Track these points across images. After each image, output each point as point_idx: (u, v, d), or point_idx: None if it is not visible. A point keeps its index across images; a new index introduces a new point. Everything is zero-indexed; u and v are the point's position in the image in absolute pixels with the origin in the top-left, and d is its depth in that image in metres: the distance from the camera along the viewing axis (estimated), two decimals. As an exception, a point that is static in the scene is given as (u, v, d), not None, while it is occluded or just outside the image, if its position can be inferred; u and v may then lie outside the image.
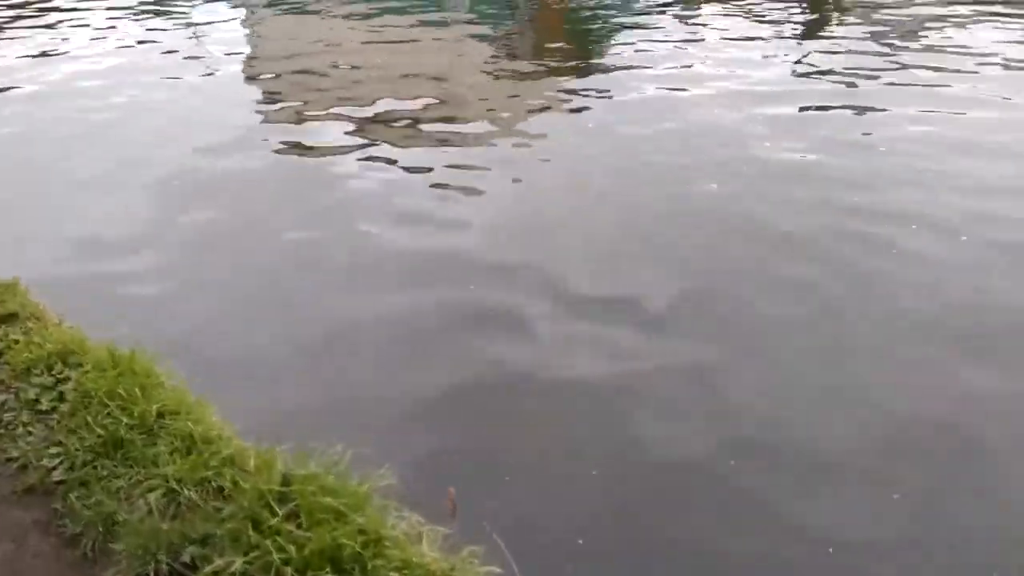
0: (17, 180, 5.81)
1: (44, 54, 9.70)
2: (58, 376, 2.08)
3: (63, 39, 10.51)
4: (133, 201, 5.49)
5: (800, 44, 9.68)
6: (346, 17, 12.08)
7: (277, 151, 6.52)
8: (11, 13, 12.40)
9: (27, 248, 4.66)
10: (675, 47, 9.59)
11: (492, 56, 9.87)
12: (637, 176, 5.85)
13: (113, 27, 11.22)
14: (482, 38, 10.70)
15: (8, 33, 10.95)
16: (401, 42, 10.32)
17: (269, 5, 13.09)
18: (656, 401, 3.34)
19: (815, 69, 8.39)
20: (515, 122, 7.20)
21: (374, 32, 10.98)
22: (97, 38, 10.65)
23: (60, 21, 11.52)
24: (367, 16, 11.81)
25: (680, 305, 4.11)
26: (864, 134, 6.57)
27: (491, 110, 7.53)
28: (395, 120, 7.18)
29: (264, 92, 8.31)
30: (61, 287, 3.94)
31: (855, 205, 5.13)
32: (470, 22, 11.69)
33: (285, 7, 12.87)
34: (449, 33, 10.97)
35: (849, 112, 7.12)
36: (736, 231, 4.89)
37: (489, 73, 8.89)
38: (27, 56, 9.55)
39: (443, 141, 6.66)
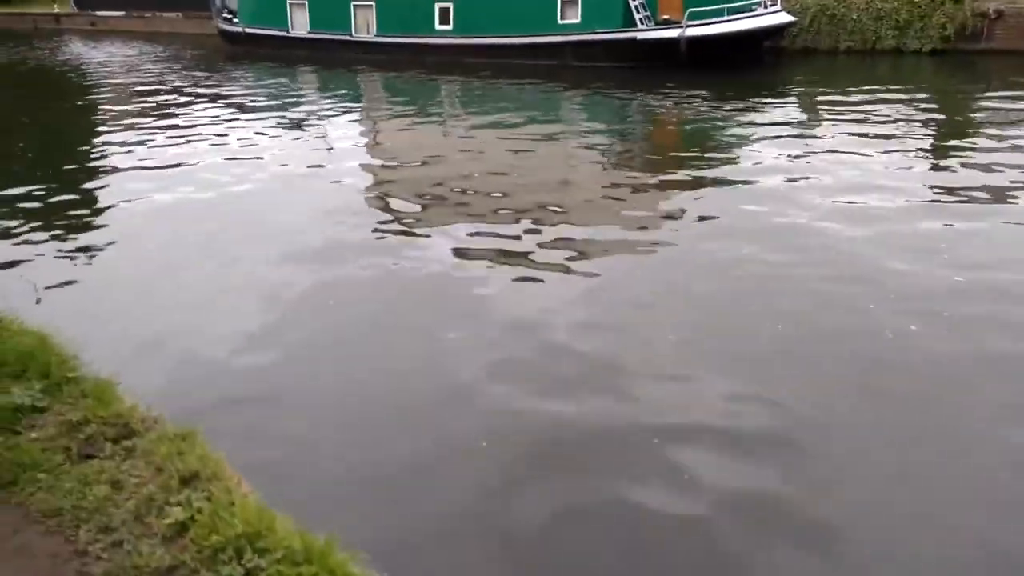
0: (159, 287, 6.09)
1: (179, 164, 10.53)
2: (247, 566, 1.97)
3: (201, 148, 11.48)
4: (267, 305, 5.60)
5: (929, 158, 9.35)
6: (467, 128, 12.69)
7: (399, 258, 6.60)
8: (163, 124, 13.73)
9: (162, 356, 4.77)
10: (796, 161, 9.40)
11: (609, 166, 10.04)
12: (757, 297, 5.54)
13: (251, 137, 12.24)
14: (600, 148, 10.92)
15: (157, 141, 12.05)
16: (520, 151, 10.63)
17: (393, 118, 13.96)
18: None
19: (947, 186, 8.01)
20: (632, 233, 7.11)
21: (493, 142, 11.39)
22: (231, 146, 11.59)
23: (198, 133, 12.63)
24: (486, 127, 12.35)
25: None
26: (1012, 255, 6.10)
27: (608, 220, 7.49)
28: (514, 228, 7.22)
29: (387, 200, 8.56)
30: (196, 403, 4.01)
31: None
32: (586, 132, 12.01)
33: (409, 119, 13.69)
34: (566, 143, 11.29)
35: (986, 228, 6.67)
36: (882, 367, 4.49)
37: (606, 184, 8.94)
38: (167, 166, 10.39)
39: (561, 251, 6.63)
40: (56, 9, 37.70)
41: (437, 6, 19.02)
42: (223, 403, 4.27)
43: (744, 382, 4.36)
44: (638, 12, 16.28)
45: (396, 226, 7.52)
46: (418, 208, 8.15)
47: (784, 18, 16.30)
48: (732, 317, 5.25)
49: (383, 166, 10.61)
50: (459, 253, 6.63)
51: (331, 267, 6.35)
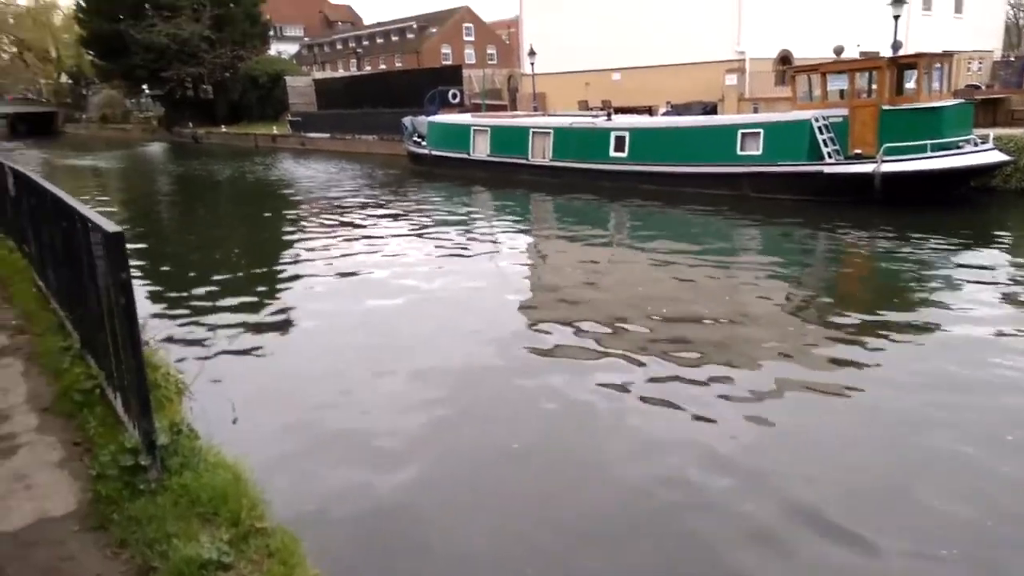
0: (338, 404, 6.12)
1: (362, 273, 11.11)
2: None
3: (383, 260, 12.13)
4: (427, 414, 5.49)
5: None
6: (635, 253, 12.49)
7: (557, 383, 6.38)
8: (353, 235, 14.78)
9: (341, 504, 4.61)
10: (1001, 310, 8.28)
11: (786, 302, 9.26)
12: (948, 459, 4.85)
13: (428, 249, 12.83)
14: (777, 283, 10.18)
15: (346, 250, 12.92)
16: (688, 281, 10.20)
17: (562, 239, 14.13)
18: None
19: None
20: (809, 375, 6.44)
21: (661, 269, 11.03)
22: (408, 257, 12.15)
23: (382, 244, 13.42)
24: (655, 254, 12.03)
25: None
26: None
27: (782, 360, 6.88)
28: (674, 360, 6.82)
29: (549, 321, 8.42)
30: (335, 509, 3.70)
31: None
32: (762, 265, 11.32)
33: (578, 241, 13.78)
34: (739, 275, 10.65)
35: None
36: None
37: (782, 321, 8.27)
38: (352, 274, 11.03)
39: (727, 388, 6.16)
40: (275, 131, 43.50)
41: (613, 135, 19.51)
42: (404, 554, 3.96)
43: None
44: (826, 145, 15.61)
45: (557, 349, 7.33)
46: (581, 331, 7.88)
47: (996, 157, 14.88)
48: (920, 478, 4.63)
49: (548, 286, 10.62)
50: (618, 384, 6.28)
51: (492, 386, 6.29)
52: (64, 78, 75.95)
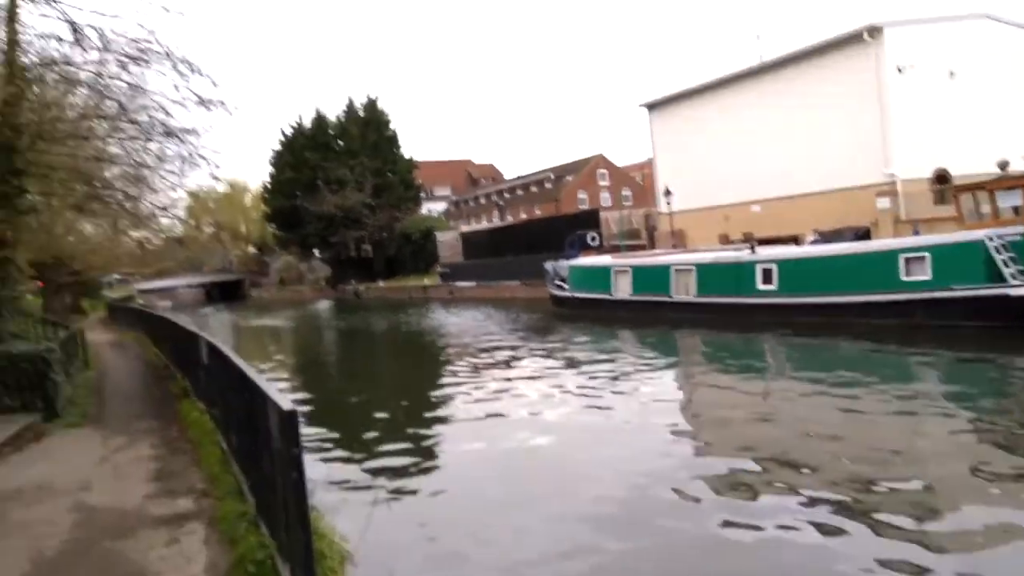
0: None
1: (506, 416, 11.09)
2: None
3: (527, 400, 12.11)
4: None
5: None
6: (792, 389, 11.64)
7: (711, 527, 5.94)
8: (498, 376, 15.02)
9: None
10: None
11: (976, 441, 8.10)
12: None
13: (571, 390, 12.67)
14: (963, 419, 8.96)
15: (492, 390, 13.09)
16: (855, 414, 9.34)
17: (710, 375, 13.53)
18: None
19: None
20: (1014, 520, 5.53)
21: (823, 404, 10.19)
22: (554, 398, 12.02)
23: (527, 385, 13.46)
24: (815, 388, 11.16)
25: None
26: None
27: (977, 505, 6.02)
28: (848, 503, 6.14)
29: (699, 460, 7.99)
30: None
31: None
32: (943, 399, 10.11)
33: (727, 376, 13.13)
34: (915, 411, 9.57)
35: None
36: None
37: (972, 462, 7.20)
38: (497, 415, 11.06)
39: (907, 535, 5.44)
40: (426, 282, 46.62)
41: (759, 267, 18.96)
42: None
43: None
44: (1007, 266, 14.17)
45: (708, 490, 6.81)
46: (734, 471, 7.30)
47: None
48: None
49: (705, 422, 10.10)
50: (795, 528, 5.68)
51: (644, 531, 5.99)
52: (251, 249, 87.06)
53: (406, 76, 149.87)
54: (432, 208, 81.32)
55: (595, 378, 13.73)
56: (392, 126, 62.37)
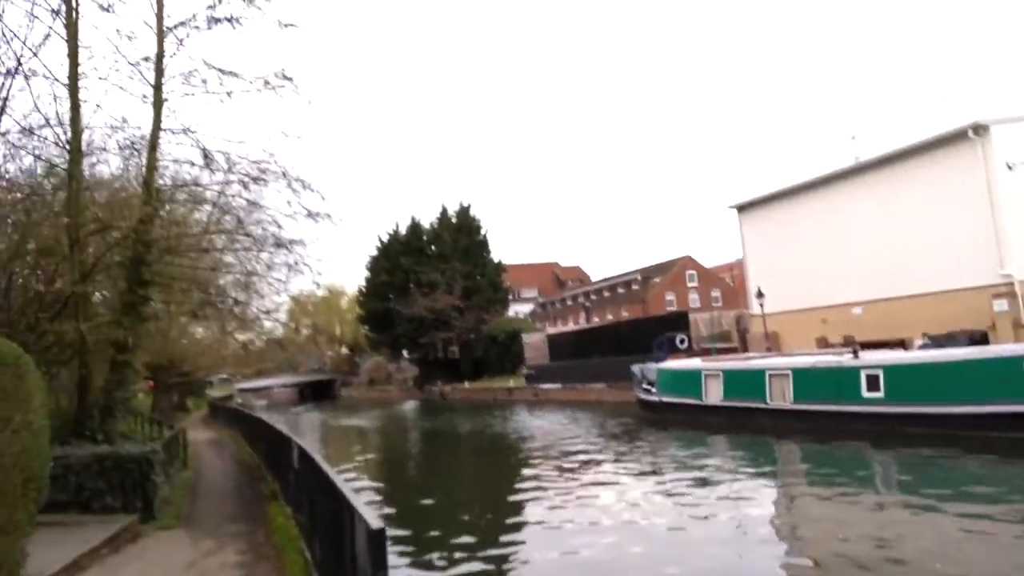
0: None
1: (586, 523, 10.54)
2: None
3: (610, 505, 11.52)
4: None
5: None
6: (904, 506, 10.65)
7: None
8: (582, 481, 14.48)
9: None
10: None
11: None
12: None
13: (659, 498, 12.03)
14: None
15: (576, 495, 12.58)
16: (981, 535, 8.31)
17: (809, 488, 12.54)
18: None
19: None
20: None
21: (942, 523, 9.26)
22: (642, 507, 11.38)
23: (611, 490, 12.87)
24: (930, 504, 10.18)
25: None
26: None
27: None
28: None
29: None
30: None
31: None
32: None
33: (829, 489, 12.13)
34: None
35: None
36: None
37: None
38: (575, 522, 10.53)
39: None
40: (511, 384, 46.50)
41: (864, 373, 17.83)
42: None
43: None
44: None
45: None
46: None
47: None
48: None
49: (796, 540, 9.32)
50: None
51: None
52: (343, 349, 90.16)
53: (497, 180, 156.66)
54: (519, 310, 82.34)
55: (685, 486, 13.07)
56: (483, 231, 64.70)
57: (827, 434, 17.43)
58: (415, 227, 66.24)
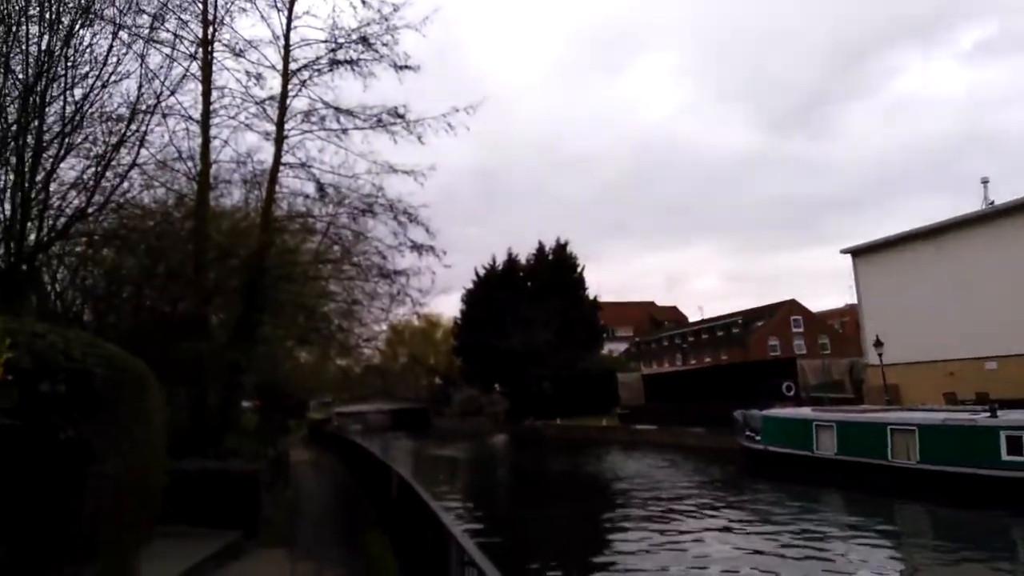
0: None
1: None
2: None
3: (702, 558, 10.77)
4: None
5: None
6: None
7: None
8: (674, 530, 13.70)
9: None
10: None
11: None
12: None
13: (758, 557, 11.14)
14: None
15: (668, 546, 11.88)
16: None
17: (938, 559, 11.26)
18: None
19: None
20: None
21: None
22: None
23: (704, 543, 12.04)
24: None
25: None
26: None
27: None
28: None
29: None
30: None
31: None
32: None
33: (962, 560, 10.87)
34: None
35: None
36: None
37: None
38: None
39: None
40: (604, 423, 45.48)
41: (1004, 434, 16.07)
42: None
43: None
44: None
45: None
46: None
47: None
48: None
49: None
50: None
51: None
52: (436, 379, 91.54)
53: (595, 217, 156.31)
54: (613, 348, 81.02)
55: (796, 546, 12.11)
56: (579, 268, 64.48)
57: (959, 499, 15.78)
58: (511, 262, 66.84)
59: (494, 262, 67.86)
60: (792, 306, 72.96)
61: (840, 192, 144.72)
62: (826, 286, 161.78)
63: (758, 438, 24.36)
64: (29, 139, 11.14)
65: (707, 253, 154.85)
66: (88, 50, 11.40)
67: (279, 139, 16.30)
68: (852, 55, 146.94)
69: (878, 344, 28.37)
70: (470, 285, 68.53)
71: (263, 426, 30.78)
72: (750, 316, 75.09)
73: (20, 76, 10.95)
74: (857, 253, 34.46)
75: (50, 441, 4.40)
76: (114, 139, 11.76)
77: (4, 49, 10.74)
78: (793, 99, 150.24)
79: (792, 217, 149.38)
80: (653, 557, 11.68)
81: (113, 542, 4.89)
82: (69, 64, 11.31)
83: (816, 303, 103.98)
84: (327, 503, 15.36)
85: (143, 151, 12.64)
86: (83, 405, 4.58)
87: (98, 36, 11.45)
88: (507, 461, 36.89)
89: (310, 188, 16.54)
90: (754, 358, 58.06)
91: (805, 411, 24.05)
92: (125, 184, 12.42)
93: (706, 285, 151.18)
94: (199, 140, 15.31)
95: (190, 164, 15.20)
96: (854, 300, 36.46)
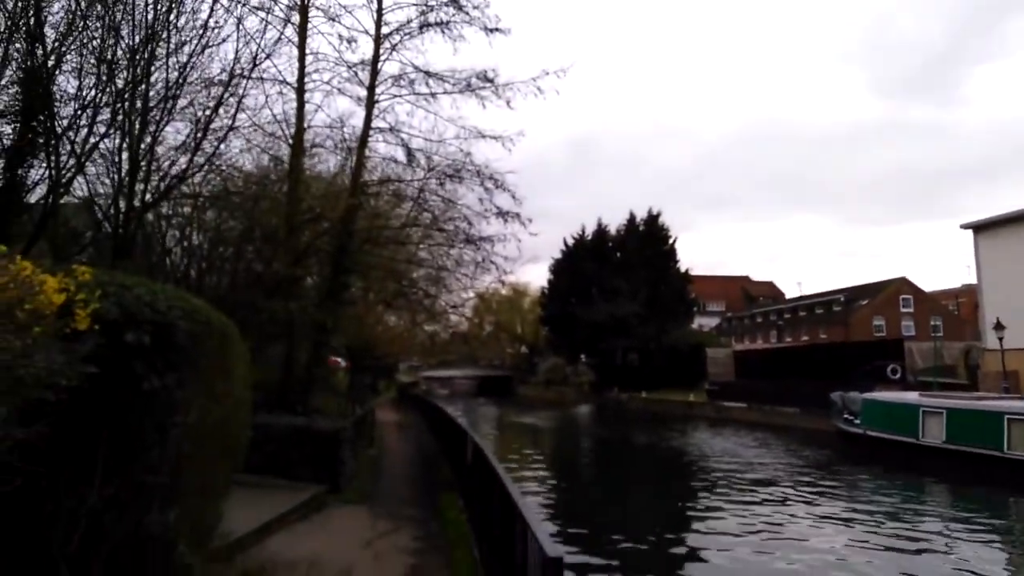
0: None
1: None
2: None
3: (793, 549, 10.17)
4: None
5: None
6: None
7: None
8: (763, 518, 13.10)
9: None
10: None
11: None
12: None
13: (850, 548, 10.46)
14: None
15: (754, 529, 11.35)
16: None
17: None
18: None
19: None
20: None
21: None
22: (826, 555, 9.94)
23: (797, 532, 11.42)
24: None
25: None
26: None
27: None
28: None
29: None
30: None
31: None
32: None
33: None
34: None
35: None
36: None
37: None
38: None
39: None
40: (691, 398, 44.44)
41: None
42: None
43: None
44: None
45: None
46: None
47: None
48: None
49: None
50: None
51: None
52: (522, 348, 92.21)
53: (690, 189, 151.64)
54: (704, 323, 78.82)
55: (901, 540, 11.31)
56: (671, 239, 62.76)
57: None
58: (601, 232, 65.80)
59: (583, 232, 67.06)
60: (902, 284, 68.32)
61: (967, 163, 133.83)
62: (942, 265, 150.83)
63: (857, 421, 23.09)
64: (137, 103, 11.66)
65: (812, 228, 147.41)
66: (191, 15, 11.76)
67: (369, 103, 16.44)
68: (993, 11, 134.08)
69: (999, 327, 26.09)
70: (559, 255, 68.15)
71: (352, 386, 31.93)
72: (854, 294, 70.95)
73: (127, 42, 11.43)
74: (979, 229, 31.67)
75: (134, 391, 4.52)
76: (213, 103, 12.13)
77: (114, 15, 11.21)
78: (920, 61, 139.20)
79: (909, 190, 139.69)
80: (744, 544, 11.21)
81: (193, 491, 5.03)
82: (172, 29, 11.70)
83: (930, 283, 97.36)
84: (409, 464, 15.69)
85: (240, 115, 12.99)
86: (166, 356, 4.68)
87: (199, 1, 11.76)
88: (590, 433, 36.71)
89: (399, 154, 16.65)
90: (855, 338, 54.97)
91: (911, 395, 22.51)
92: (223, 147, 12.81)
93: (809, 261, 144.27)
94: (294, 104, 15.66)
95: (285, 128, 15.59)
96: (972, 280, 33.67)
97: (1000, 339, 26.04)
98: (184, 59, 11.97)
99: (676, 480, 19.95)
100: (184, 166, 11.86)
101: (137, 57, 11.45)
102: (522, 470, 19.59)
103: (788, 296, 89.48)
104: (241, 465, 6.16)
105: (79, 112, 11.11)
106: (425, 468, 14.58)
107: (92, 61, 11.25)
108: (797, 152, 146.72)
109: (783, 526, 12.63)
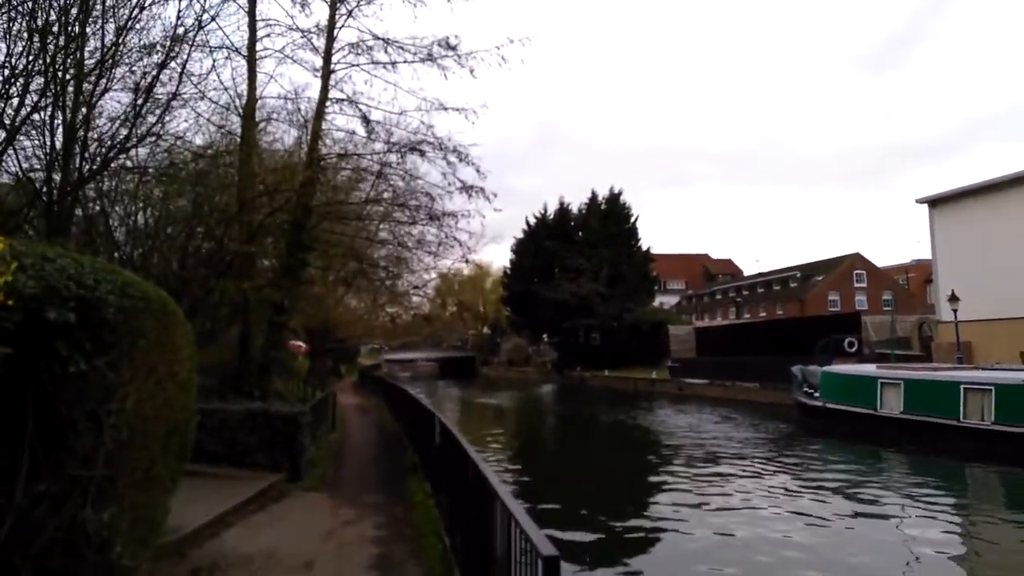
0: None
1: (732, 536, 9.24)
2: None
3: (750, 516, 10.14)
4: None
5: None
6: None
7: None
8: (720, 489, 13.09)
9: None
10: None
11: None
12: None
13: (807, 515, 10.48)
14: None
15: (710, 504, 11.30)
16: None
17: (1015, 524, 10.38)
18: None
19: None
20: None
21: None
22: (786, 521, 9.92)
23: (753, 501, 11.41)
24: None
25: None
26: None
27: None
28: None
29: None
30: None
31: None
32: None
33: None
34: None
35: None
36: None
37: None
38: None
39: None
40: (653, 375, 44.80)
41: (1094, 397, 14.84)
42: None
43: None
44: None
45: None
46: None
47: None
48: None
49: None
50: None
51: None
52: (484, 329, 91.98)
53: (650, 168, 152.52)
54: (665, 301, 79.62)
55: (861, 508, 11.39)
56: (632, 218, 62.91)
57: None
58: (563, 211, 65.63)
59: (545, 211, 66.82)
60: (856, 260, 69.96)
61: (919, 140, 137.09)
62: (891, 241, 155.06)
63: (816, 394, 23.42)
64: (70, 68, 10.83)
65: (768, 206, 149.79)
66: (126, -25, 10.93)
67: (326, 72, 15.71)
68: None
69: (953, 299, 26.71)
70: (521, 235, 67.81)
71: (313, 369, 31.22)
72: (809, 270, 72.43)
73: (59, 1, 10.58)
74: (935, 203, 32.32)
75: (61, 374, 4.02)
76: (154, 70, 11.36)
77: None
78: (876, 40, 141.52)
79: (861, 167, 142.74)
80: (705, 516, 11.14)
81: (134, 484, 4.55)
82: (107, -9, 10.87)
83: (880, 258, 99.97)
84: (372, 448, 15.25)
85: (186, 85, 12.23)
86: (95, 336, 4.17)
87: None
88: (553, 411, 36.70)
89: (358, 127, 15.98)
90: (812, 313, 56.11)
91: (869, 368, 22.91)
92: (168, 117, 12.05)
93: (765, 238, 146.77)
94: (244, 73, 14.87)
95: (235, 98, 14.80)
96: (921, 255, 34.41)
97: (955, 311, 26.67)
98: (122, 22, 11.20)
99: (643, 456, 19.93)
100: (124, 136, 11.10)
101: (70, 18, 10.64)
102: (487, 450, 19.34)
103: (747, 273, 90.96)
104: (192, 454, 5.68)
105: (10, 80, 10.26)
106: (389, 451, 14.17)
107: (22, 24, 10.41)
108: (757, 130, 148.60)
109: (737, 496, 12.67)
